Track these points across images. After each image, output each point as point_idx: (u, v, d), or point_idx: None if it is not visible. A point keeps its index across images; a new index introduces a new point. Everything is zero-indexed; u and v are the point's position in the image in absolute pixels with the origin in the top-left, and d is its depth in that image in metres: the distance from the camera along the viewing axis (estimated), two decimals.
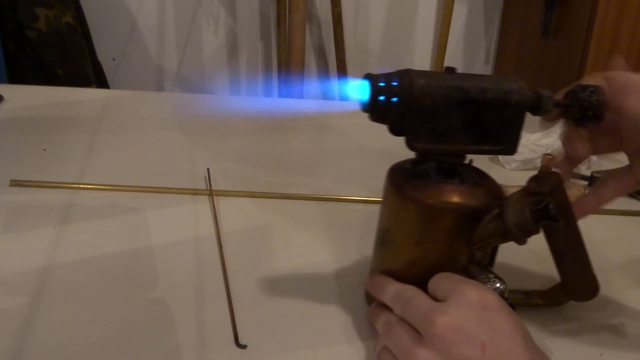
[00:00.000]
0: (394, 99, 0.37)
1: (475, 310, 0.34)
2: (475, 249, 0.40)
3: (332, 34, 1.92)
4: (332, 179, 0.73)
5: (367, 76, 0.38)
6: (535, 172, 0.41)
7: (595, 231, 0.47)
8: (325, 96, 2.09)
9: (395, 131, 0.40)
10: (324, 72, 2.10)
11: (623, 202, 0.73)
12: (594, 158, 0.78)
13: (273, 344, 0.41)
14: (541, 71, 1.88)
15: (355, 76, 0.39)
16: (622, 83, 0.41)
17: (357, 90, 0.38)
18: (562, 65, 1.76)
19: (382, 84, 0.37)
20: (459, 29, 2.16)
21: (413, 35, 2.17)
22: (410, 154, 0.42)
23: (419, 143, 0.39)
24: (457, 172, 0.41)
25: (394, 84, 0.37)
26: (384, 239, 0.43)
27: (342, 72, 1.95)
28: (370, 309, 0.43)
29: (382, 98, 0.37)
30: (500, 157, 0.81)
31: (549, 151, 0.81)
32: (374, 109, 0.38)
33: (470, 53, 2.23)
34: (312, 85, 2.12)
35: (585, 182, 0.76)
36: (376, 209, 0.66)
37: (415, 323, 0.36)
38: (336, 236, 0.58)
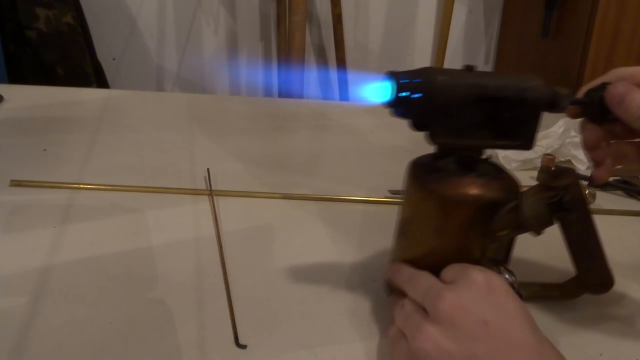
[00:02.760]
0: (416, 95, 0.39)
1: (481, 290, 0.36)
2: (493, 239, 0.42)
3: (332, 34, 1.92)
4: (332, 179, 0.73)
5: (390, 73, 0.39)
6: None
7: None
8: (325, 96, 2.09)
9: (416, 126, 0.42)
10: (324, 72, 2.10)
11: (623, 202, 0.73)
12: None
13: (273, 344, 0.41)
14: (541, 71, 1.88)
15: (355, 76, 0.40)
16: None
17: (380, 87, 0.40)
18: (562, 65, 1.76)
19: (404, 81, 0.39)
20: (459, 29, 2.16)
21: (413, 35, 2.17)
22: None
23: (440, 138, 0.41)
24: (476, 166, 0.43)
25: (416, 81, 0.39)
26: (404, 229, 0.45)
27: (342, 72, 1.95)
28: (388, 299, 0.44)
29: (404, 94, 0.39)
30: (500, 157, 0.81)
31: (549, 151, 0.81)
32: (397, 105, 0.40)
33: (470, 53, 2.23)
34: (312, 85, 2.12)
35: (585, 182, 0.76)
36: (376, 208, 0.66)
37: (423, 301, 0.37)
38: (336, 236, 0.58)
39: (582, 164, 0.82)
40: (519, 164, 0.79)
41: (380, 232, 0.60)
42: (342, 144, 0.89)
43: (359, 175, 0.76)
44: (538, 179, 0.77)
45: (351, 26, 2.06)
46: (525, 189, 0.42)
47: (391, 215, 0.65)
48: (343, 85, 1.99)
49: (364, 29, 2.11)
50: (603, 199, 0.72)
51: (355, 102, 1.16)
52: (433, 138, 0.41)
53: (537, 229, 0.41)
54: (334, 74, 2.02)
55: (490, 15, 2.19)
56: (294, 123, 1.01)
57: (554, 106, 0.41)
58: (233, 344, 0.41)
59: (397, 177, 0.77)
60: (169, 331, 0.42)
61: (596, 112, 0.43)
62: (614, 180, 0.76)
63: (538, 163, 0.80)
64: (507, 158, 0.80)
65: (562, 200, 0.40)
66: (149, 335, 0.41)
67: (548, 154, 0.80)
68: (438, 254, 0.42)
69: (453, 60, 2.15)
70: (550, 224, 0.41)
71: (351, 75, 1.98)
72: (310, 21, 2.01)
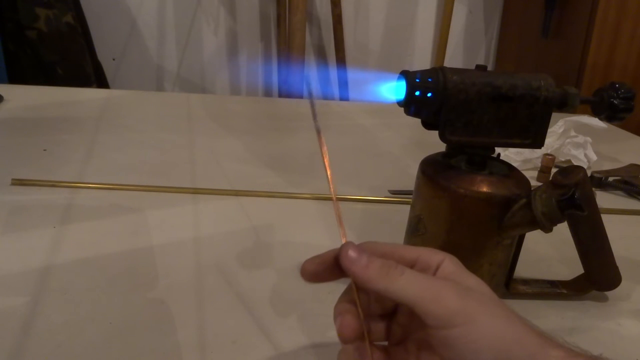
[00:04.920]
0: (430, 94, 0.40)
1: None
2: (504, 236, 0.43)
3: (332, 34, 1.92)
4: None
5: (404, 73, 0.40)
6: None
7: None
8: (325, 96, 2.09)
9: (428, 125, 0.43)
10: (324, 72, 2.10)
11: (623, 202, 0.73)
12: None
13: (273, 344, 0.41)
14: (541, 71, 1.88)
15: (365, 75, 0.40)
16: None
17: (394, 86, 0.40)
18: (562, 65, 1.76)
19: (418, 80, 0.40)
20: (459, 29, 2.16)
21: (413, 35, 2.17)
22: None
23: (452, 136, 0.41)
24: (487, 164, 0.44)
25: (429, 80, 0.40)
26: (417, 226, 0.46)
27: (342, 72, 1.95)
28: None
29: (418, 93, 0.40)
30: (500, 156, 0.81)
31: (548, 151, 0.81)
32: (411, 104, 0.40)
33: (470, 53, 2.23)
34: (312, 84, 2.12)
35: None
36: (376, 208, 0.66)
37: None
38: (336, 236, 0.58)
39: (581, 164, 0.82)
40: (519, 164, 0.79)
41: (380, 231, 0.60)
42: (342, 144, 0.89)
43: (359, 175, 0.76)
44: (538, 178, 0.77)
45: (351, 26, 2.06)
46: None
47: (391, 215, 0.65)
48: (343, 85, 1.99)
49: (364, 29, 2.11)
50: (603, 199, 0.72)
51: (359, 101, 1.16)
52: (445, 136, 0.41)
53: (548, 226, 0.42)
54: (334, 73, 2.02)
55: (490, 15, 2.18)
56: (294, 123, 1.01)
57: (565, 105, 0.42)
58: (233, 343, 0.41)
59: (397, 177, 0.77)
60: (169, 331, 0.42)
61: (607, 110, 0.44)
62: (614, 180, 0.76)
63: (538, 163, 0.80)
64: (507, 158, 0.80)
65: (573, 197, 0.41)
66: (149, 335, 0.41)
67: (548, 154, 0.80)
68: (453, 250, 0.43)
69: (453, 60, 2.15)
70: (560, 220, 0.42)
71: (361, 75, 1.98)
72: (310, 21, 2.01)
